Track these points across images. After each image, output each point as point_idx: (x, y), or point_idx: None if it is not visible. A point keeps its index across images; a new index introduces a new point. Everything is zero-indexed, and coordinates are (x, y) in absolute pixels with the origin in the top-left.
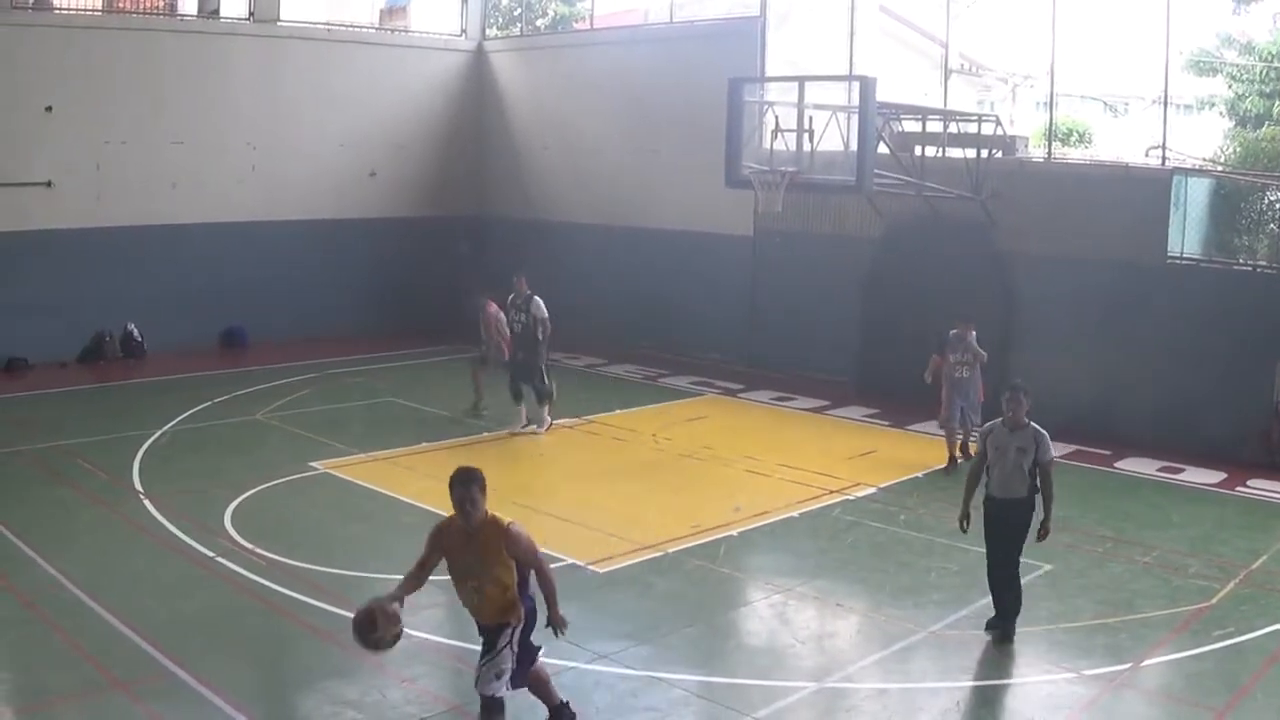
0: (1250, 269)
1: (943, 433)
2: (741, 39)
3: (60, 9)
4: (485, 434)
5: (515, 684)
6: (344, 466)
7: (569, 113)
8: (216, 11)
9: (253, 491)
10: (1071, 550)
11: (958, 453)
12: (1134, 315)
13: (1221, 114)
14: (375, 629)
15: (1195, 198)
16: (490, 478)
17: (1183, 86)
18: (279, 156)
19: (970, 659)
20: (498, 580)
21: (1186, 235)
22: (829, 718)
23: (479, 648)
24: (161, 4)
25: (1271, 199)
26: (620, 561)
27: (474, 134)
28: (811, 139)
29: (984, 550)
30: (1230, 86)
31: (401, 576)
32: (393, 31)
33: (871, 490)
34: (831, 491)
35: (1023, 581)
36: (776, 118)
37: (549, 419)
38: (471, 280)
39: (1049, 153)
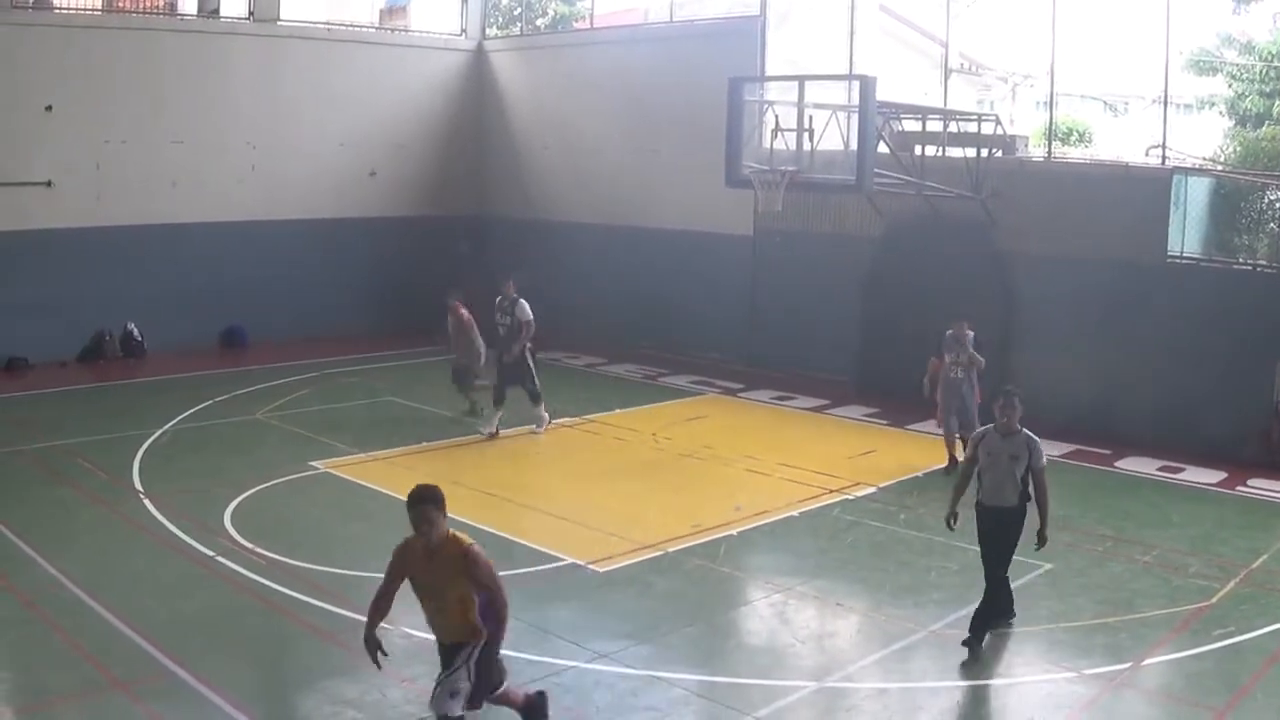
0: (1250, 268)
1: (942, 432)
2: (741, 38)
3: (60, 9)
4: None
5: (473, 704)
6: (344, 466)
7: (569, 112)
8: (216, 11)
9: (253, 491)
10: (1071, 549)
11: (957, 453)
12: (1134, 315)
13: (1221, 113)
14: None
15: (1195, 197)
16: (490, 477)
17: (1183, 86)
18: (279, 156)
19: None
20: (461, 599)
21: (1186, 235)
22: (829, 717)
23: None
24: (161, 3)
25: (1271, 198)
26: (620, 561)
27: (474, 134)
28: (811, 138)
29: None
30: (1230, 86)
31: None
32: (393, 31)
33: (871, 490)
34: (831, 491)
35: (1023, 581)
36: (776, 117)
37: (547, 418)
38: (453, 279)
39: (1049, 152)
